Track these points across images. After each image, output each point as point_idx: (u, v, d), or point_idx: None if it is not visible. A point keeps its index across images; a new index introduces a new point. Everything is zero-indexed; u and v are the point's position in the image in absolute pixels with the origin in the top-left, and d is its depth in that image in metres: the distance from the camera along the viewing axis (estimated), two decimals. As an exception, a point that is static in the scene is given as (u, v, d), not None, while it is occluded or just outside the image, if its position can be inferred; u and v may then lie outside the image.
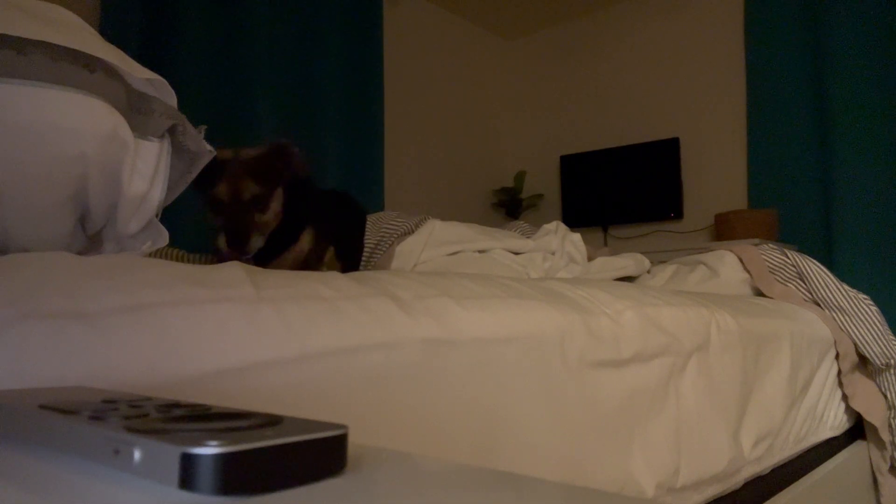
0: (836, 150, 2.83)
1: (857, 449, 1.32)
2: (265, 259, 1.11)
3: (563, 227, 1.60)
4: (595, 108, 3.83)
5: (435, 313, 0.54)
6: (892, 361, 1.28)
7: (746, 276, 1.44)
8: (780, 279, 1.40)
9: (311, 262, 1.19)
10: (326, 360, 0.45)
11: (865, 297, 1.33)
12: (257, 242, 1.07)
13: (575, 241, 1.55)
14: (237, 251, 1.05)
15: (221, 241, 1.06)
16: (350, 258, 1.41)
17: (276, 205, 1.10)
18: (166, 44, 2.36)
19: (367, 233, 1.60)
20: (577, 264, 1.51)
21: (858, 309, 1.29)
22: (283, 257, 1.14)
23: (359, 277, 0.58)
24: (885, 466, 1.33)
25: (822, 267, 1.37)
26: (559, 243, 1.52)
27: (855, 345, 1.28)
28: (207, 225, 1.10)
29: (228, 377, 0.40)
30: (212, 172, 0.99)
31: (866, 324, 1.28)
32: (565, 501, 0.22)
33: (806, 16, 3.00)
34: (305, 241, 1.18)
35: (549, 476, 0.58)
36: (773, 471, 0.99)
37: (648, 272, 1.61)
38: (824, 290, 1.33)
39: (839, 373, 1.26)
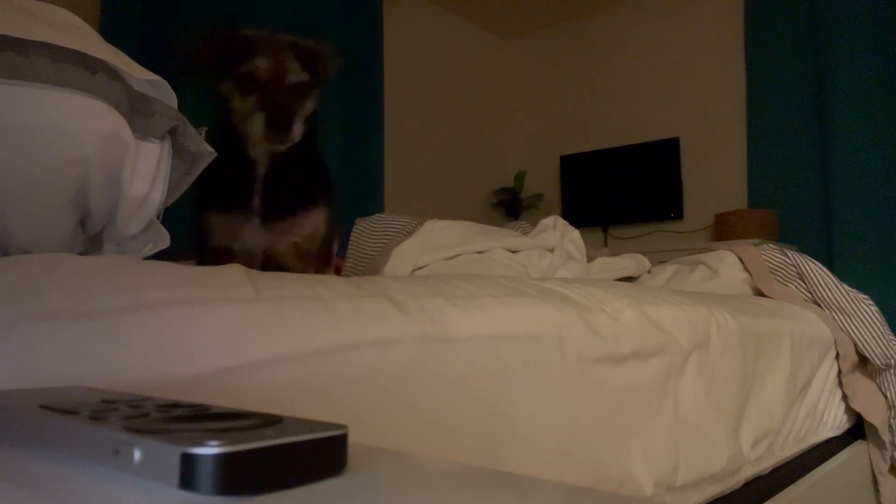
0: (836, 151, 2.83)
1: (857, 449, 1.32)
2: (276, 214, 0.93)
3: (561, 222, 1.59)
4: (595, 108, 3.83)
5: (430, 312, 0.54)
6: (893, 361, 1.28)
7: (746, 276, 1.44)
8: (780, 279, 1.40)
9: (321, 250, 1.00)
10: (324, 359, 0.45)
11: (865, 297, 1.33)
12: (298, 132, 0.87)
13: (574, 239, 1.55)
14: (279, 138, 0.86)
15: (256, 124, 0.85)
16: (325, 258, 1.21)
17: (309, 107, 0.91)
18: (166, 44, 2.36)
19: (368, 236, 1.59)
20: (575, 261, 1.50)
21: (858, 309, 1.29)
22: (296, 221, 0.94)
23: (354, 280, 0.58)
24: (885, 466, 1.33)
25: (822, 267, 1.37)
26: (558, 240, 1.52)
27: (855, 345, 1.28)
28: (225, 113, 0.89)
29: (228, 377, 0.40)
30: (237, 47, 0.86)
31: (866, 324, 1.28)
32: (565, 501, 0.22)
33: (806, 16, 3.00)
34: (322, 221, 0.98)
35: (547, 473, 0.58)
36: (773, 471, 0.99)
37: (648, 272, 1.61)
38: (824, 290, 1.33)
39: (839, 373, 1.26)
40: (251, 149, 0.91)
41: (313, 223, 0.97)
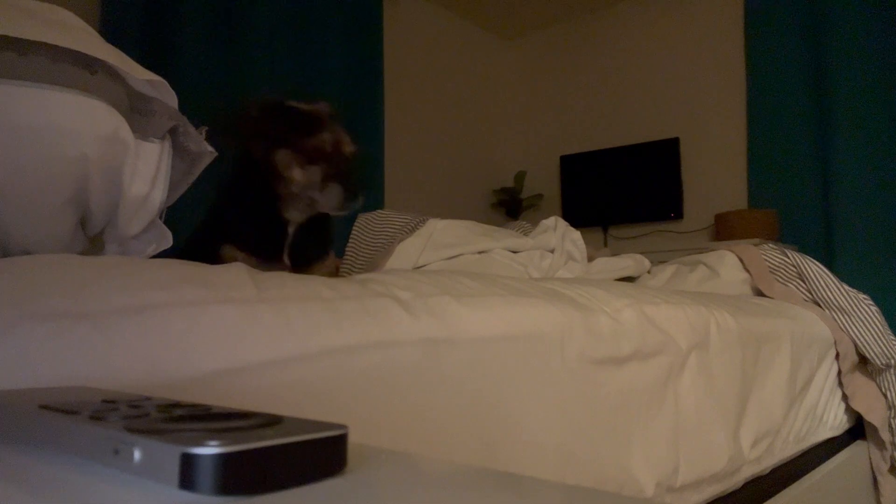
0: (836, 151, 2.83)
1: (857, 449, 1.32)
2: (303, 263, 1.02)
3: (562, 223, 1.59)
4: (595, 108, 3.83)
5: (436, 312, 0.54)
6: (893, 361, 1.28)
7: (746, 276, 1.44)
8: (780, 279, 1.40)
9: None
10: (326, 360, 0.45)
11: (865, 297, 1.33)
12: (362, 200, 0.98)
13: (575, 240, 1.55)
14: (350, 206, 0.96)
15: (334, 194, 0.95)
16: None
17: None
18: (166, 45, 2.36)
19: (369, 232, 1.59)
20: (576, 262, 1.50)
21: (858, 309, 1.29)
22: (315, 268, 1.04)
23: (360, 279, 0.58)
24: (885, 466, 1.33)
25: (823, 267, 1.37)
26: (558, 241, 1.52)
27: (855, 345, 1.28)
28: (290, 186, 0.96)
29: (229, 377, 0.40)
30: (301, 121, 0.95)
31: (866, 324, 1.28)
32: (565, 501, 0.22)
33: (806, 16, 3.00)
34: (333, 258, 1.09)
35: (548, 474, 0.58)
36: (773, 471, 0.99)
37: (648, 272, 1.60)
38: (824, 290, 1.33)
39: (839, 373, 1.26)
40: (286, 210, 0.99)
41: (330, 262, 1.08)
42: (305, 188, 0.96)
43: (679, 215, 3.40)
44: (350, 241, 1.61)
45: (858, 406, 1.27)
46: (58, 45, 0.53)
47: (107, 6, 2.23)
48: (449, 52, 3.84)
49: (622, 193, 3.59)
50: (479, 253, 1.44)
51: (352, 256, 1.57)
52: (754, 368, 0.95)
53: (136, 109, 0.61)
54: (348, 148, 0.98)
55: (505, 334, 0.58)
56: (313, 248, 1.05)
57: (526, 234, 1.62)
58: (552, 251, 1.50)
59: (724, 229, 2.95)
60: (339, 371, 0.45)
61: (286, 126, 0.96)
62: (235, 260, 0.98)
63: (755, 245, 1.54)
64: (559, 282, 0.78)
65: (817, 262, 1.38)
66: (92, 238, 0.65)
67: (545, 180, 3.99)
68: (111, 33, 2.17)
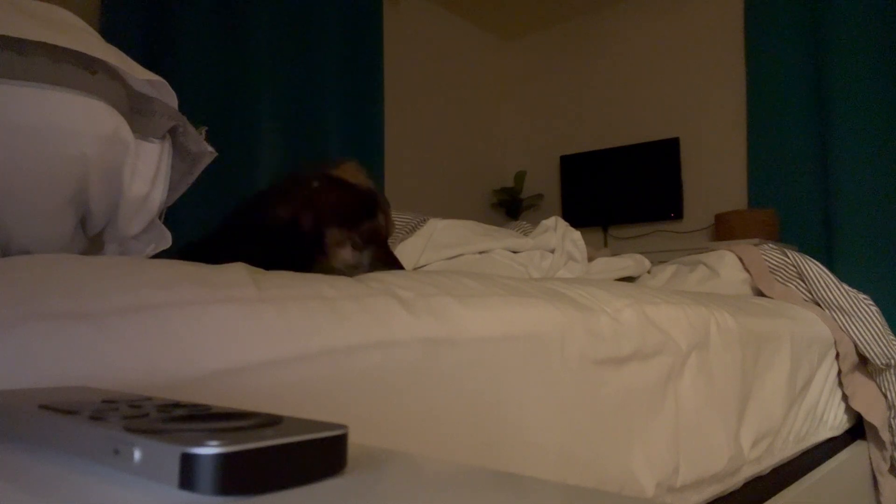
0: (836, 150, 2.83)
1: (857, 449, 1.32)
2: None
3: (562, 223, 1.59)
4: (595, 108, 3.83)
5: (437, 312, 0.54)
6: (893, 361, 1.28)
7: (746, 276, 1.44)
8: (780, 279, 1.40)
9: None
10: (327, 360, 0.45)
11: (865, 297, 1.33)
12: None
13: (575, 240, 1.55)
14: None
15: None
16: None
17: None
18: (167, 45, 2.36)
19: None
20: (577, 262, 1.50)
21: (858, 309, 1.29)
22: None
23: (361, 277, 0.58)
24: (885, 466, 1.33)
25: (823, 267, 1.37)
26: (559, 241, 1.52)
27: (855, 345, 1.28)
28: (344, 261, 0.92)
29: (229, 377, 0.40)
30: (370, 203, 0.93)
31: (866, 324, 1.28)
32: (565, 501, 0.22)
33: (806, 16, 3.00)
34: None
35: (549, 474, 0.58)
36: (772, 471, 0.99)
37: (648, 272, 1.61)
38: (824, 290, 1.33)
39: (839, 373, 1.26)
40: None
41: None
42: (350, 268, 0.93)
43: (679, 215, 3.40)
44: None
45: (858, 406, 1.27)
46: (58, 45, 0.53)
47: (107, 6, 2.23)
48: (449, 52, 3.84)
49: (622, 193, 3.59)
50: (480, 253, 1.44)
51: None
52: (754, 368, 0.95)
53: (136, 109, 0.61)
54: (392, 229, 0.97)
55: (505, 334, 0.58)
56: None
57: (526, 234, 1.61)
58: (552, 251, 1.50)
59: (724, 229, 2.95)
60: (339, 371, 0.45)
61: (345, 206, 0.92)
62: None
63: (755, 245, 1.54)
64: (559, 282, 0.78)
65: (817, 262, 1.38)
66: (92, 238, 0.65)
67: (545, 180, 4.00)
68: (111, 33, 2.17)
